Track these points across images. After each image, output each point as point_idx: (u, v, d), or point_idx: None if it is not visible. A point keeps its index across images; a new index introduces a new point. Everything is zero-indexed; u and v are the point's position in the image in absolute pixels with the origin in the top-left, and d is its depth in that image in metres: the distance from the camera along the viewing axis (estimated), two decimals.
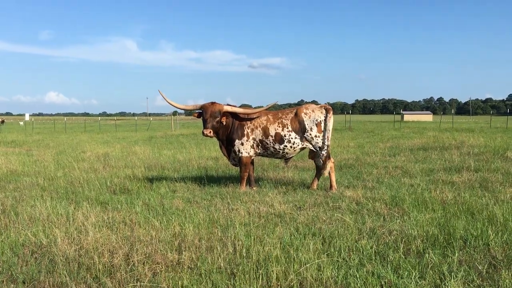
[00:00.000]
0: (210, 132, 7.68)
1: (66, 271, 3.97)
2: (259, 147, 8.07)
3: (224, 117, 7.86)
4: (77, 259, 4.27)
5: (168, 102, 8.29)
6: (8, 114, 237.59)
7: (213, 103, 7.83)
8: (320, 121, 7.92)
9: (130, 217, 5.77)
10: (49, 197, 7.33)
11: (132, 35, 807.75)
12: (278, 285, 3.67)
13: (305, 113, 7.96)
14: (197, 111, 8.00)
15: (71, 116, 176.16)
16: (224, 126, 8.00)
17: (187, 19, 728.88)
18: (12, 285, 3.85)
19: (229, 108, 7.89)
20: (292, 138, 7.90)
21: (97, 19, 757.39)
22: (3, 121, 60.51)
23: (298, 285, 3.67)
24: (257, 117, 8.05)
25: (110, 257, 4.22)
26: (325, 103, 9.35)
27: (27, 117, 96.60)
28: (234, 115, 8.05)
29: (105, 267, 4.07)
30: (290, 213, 5.94)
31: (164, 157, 13.52)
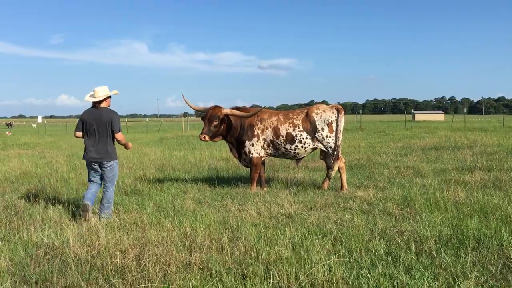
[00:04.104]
0: (204, 137, 7.68)
1: (78, 272, 4.00)
2: (270, 147, 8.04)
3: (224, 121, 7.83)
4: (89, 260, 4.30)
5: (190, 106, 8.39)
6: (21, 116, 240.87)
7: (214, 107, 7.84)
8: (331, 121, 7.87)
9: (141, 218, 5.80)
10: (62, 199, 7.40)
11: (142, 38, 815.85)
12: (289, 286, 3.65)
13: (316, 113, 7.92)
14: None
15: None
16: (233, 127, 7.99)
17: (197, 21, 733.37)
18: (25, 286, 3.89)
19: (228, 111, 7.87)
20: (303, 138, 7.87)
21: (108, 23, 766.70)
22: (11, 124, 60.31)
23: (309, 286, 3.65)
24: (268, 118, 8.02)
25: (121, 258, 4.25)
26: (336, 103, 9.30)
27: (39, 120, 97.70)
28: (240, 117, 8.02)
29: (117, 268, 4.09)
30: (301, 214, 5.92)
31: (175, 158, 13.57)
